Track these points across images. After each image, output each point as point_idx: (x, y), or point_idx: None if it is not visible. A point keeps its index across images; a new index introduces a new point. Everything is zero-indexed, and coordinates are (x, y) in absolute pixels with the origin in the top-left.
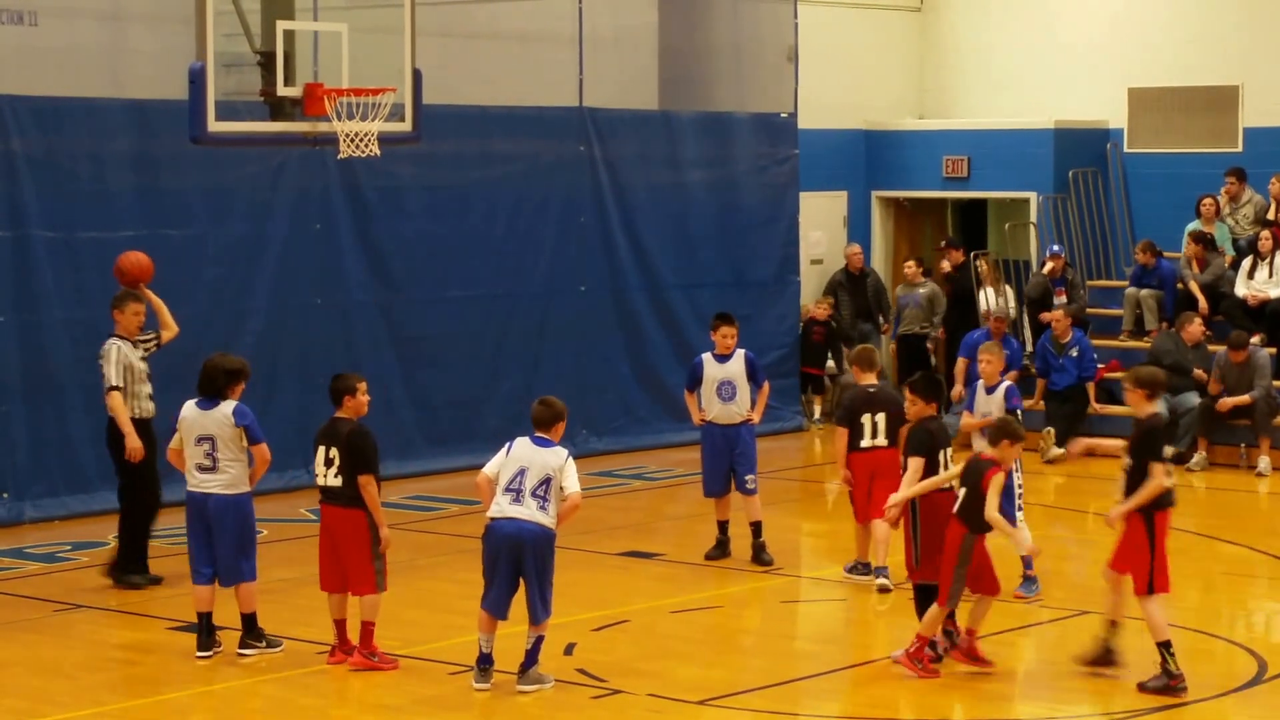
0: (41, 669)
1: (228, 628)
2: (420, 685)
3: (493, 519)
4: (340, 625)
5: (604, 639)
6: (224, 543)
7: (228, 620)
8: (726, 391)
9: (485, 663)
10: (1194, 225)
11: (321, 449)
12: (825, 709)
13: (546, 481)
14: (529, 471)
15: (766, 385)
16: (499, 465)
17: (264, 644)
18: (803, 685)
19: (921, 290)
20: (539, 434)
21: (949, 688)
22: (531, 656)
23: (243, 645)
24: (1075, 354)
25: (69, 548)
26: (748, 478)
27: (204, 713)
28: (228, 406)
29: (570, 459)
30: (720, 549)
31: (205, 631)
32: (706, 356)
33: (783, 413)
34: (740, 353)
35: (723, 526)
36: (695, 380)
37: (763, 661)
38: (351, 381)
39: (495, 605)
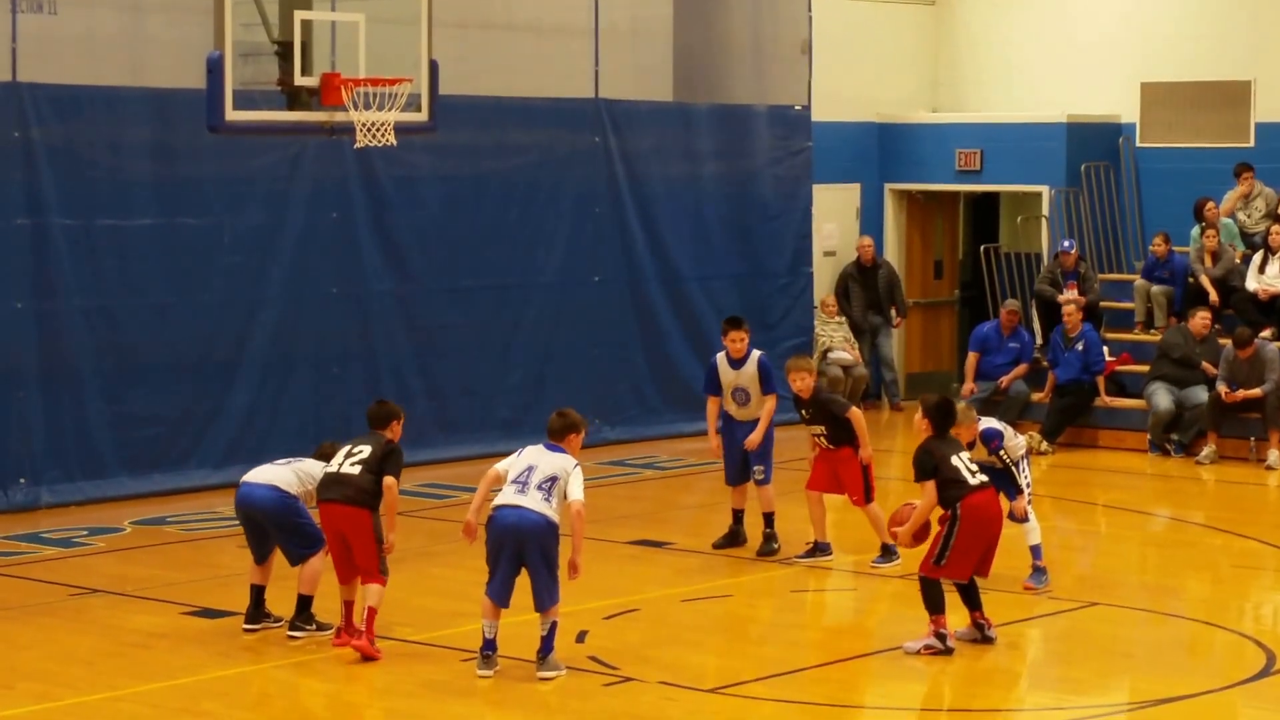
0: (57, 653)
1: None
2: (431, 671)
3: (496, 508)
4: (349, 606)
5: (615, 627)
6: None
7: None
8: (740, 397)
9: (489, 649)
10: (1196, 230)
11: (350, 444)
12: (835, 698)
13: (553, 479)
14: (537, 469)
15: (772, 399)
16: (509, 464)
17: (314, 627)
18: (813, 674)
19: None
20: (552, 442)
21: (958, 678)
22: (547, 643)
23: (293, 628)
24: (1080, 348)
25: (85, 533)
26: (756, 469)
27: (217, 697)
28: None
29: (579, 468)
30: (730, 538)
31: (254, 604)
32: (721, 358)
33: None
34: (754, 356)
35: (737, 516)
36: (713, 384)
37: (773, 650)
38: (400, 410)
39: (497, 593)
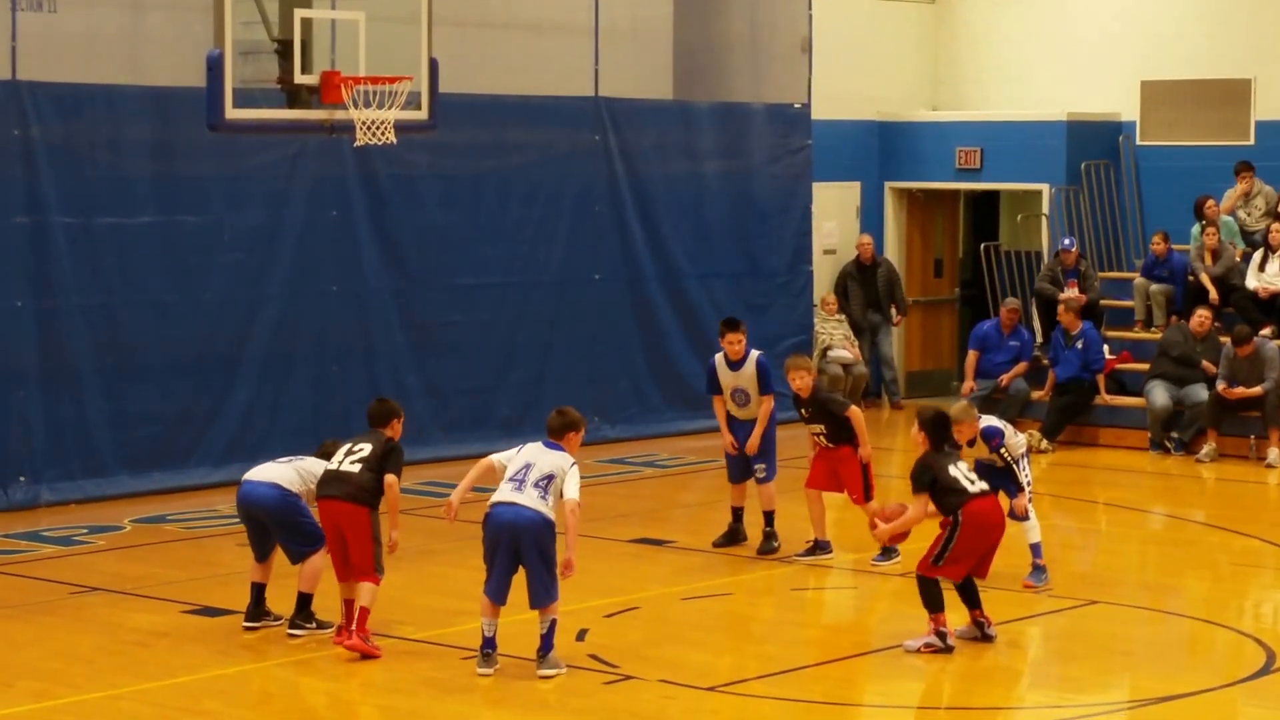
0: (57, 651)
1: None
2: (431, 669)
3: (492, 505)
4: (349, 605)
5: (615, 625)
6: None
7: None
8: (740, 398)
9: (488, 647)
10: (1196, 228)
11: (350, 443)
12: (835, 696)
13: (550, 477)
14: (534, 466)
15: (769, 401)
16: (508, 458)
17: (314, 625)
18: (813, 672)
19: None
20: (551, 440)
21: (958, 676)
22: (547, 641)
23: (293, 626)
24: (1080, 346)
25: (85, 531)
26: (757, 466)
27: (217, 695)
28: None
29: (576, 467)
30: (730, 536)
31: (254, 602)
32: (719, 360)
33: None
34: (753, 357)
35: (736, 513)
36: (714, 385)
37: (773, 648)
38: (400, 408)
39: (494, 591)
